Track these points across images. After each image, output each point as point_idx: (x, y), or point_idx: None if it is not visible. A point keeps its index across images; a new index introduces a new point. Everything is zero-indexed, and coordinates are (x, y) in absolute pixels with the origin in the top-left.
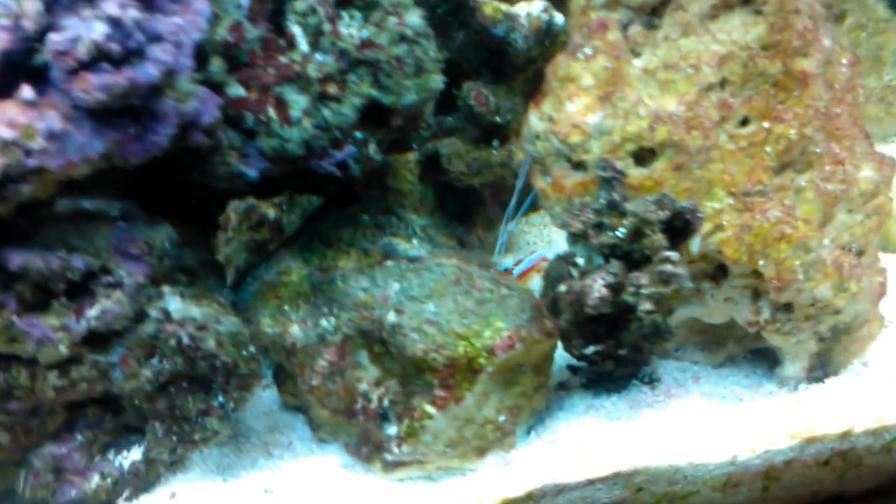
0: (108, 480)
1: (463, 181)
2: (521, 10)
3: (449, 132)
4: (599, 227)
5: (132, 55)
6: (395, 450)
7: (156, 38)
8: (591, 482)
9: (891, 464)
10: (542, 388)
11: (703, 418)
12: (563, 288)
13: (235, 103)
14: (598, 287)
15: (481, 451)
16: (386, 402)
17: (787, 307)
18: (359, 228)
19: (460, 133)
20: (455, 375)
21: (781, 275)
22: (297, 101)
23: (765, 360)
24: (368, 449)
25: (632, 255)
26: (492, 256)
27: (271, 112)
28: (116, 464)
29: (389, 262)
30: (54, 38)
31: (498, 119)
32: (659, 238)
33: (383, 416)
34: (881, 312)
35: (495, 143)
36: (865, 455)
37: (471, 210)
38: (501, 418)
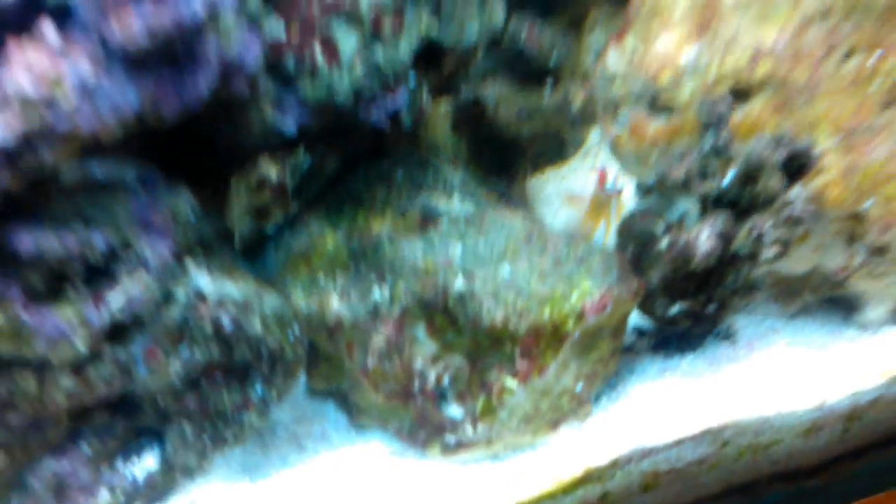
0: (119, 494)
1: (511, 131)
2: None
3: (486, 73)
4: (704, 174)
5: None
6: (465, 430)
7: None
8: (679, 442)
9: None
10: (616, 353)
11: (790, 367)
12: (665, 243)
13: (274, 44)
14: (705, 238)
15: (555, 424)
16: (445, 381)
17: (881, 250)
18: (393, 186)
19: (498, 73)
20: (539, 343)
21: (889, 214)
22: (348, 41)
23: (838, 308)
24: (426, 432)
25: (739, 203)
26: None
27: (318, 54)
28: (127, 474)
29: (443, 221)
30: None
31: (551, 62)
32: (777, 180)
33: (441, 396)
34: None
35: (548, 84)
36: None
37: (511, 162)
38: (579, 387)
